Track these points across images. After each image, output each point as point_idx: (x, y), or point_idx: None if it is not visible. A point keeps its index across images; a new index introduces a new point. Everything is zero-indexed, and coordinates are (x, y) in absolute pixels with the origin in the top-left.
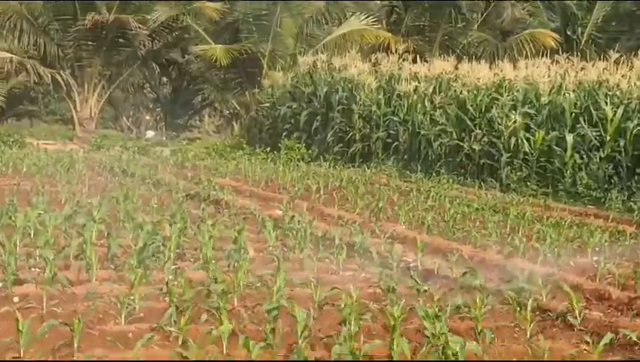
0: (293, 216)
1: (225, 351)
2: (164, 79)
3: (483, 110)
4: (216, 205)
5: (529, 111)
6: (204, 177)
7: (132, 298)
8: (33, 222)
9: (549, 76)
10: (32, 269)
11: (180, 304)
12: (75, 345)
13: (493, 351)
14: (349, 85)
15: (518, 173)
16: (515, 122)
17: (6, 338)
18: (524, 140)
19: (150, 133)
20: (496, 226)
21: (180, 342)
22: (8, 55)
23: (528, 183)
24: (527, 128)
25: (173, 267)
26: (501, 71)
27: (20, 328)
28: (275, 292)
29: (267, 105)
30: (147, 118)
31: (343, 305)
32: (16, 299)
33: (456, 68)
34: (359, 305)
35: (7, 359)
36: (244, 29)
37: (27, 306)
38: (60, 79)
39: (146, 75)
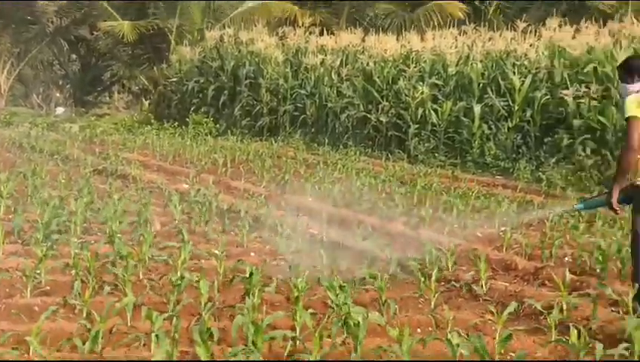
0: (199, 190)
1: (129, 323)
2: (73, 56)
3: (390, 82)
4: (124, 180)
5: (436, 82)
6: (112, 152)
7: (38, 272)
8: None
9: (456, 47)
10: None
11: (86, 277)
12: None
13: (397, 321)
14: (256, 59)
15: (426, 145)
16: (422, 93)
17: None
18: (432, 111)
19: (60, 110)
20: (403, 198)
21: (84, 315)
22: None
23: (436, 154)
24: (435, 99)
25: (79, 241)
26: (408, 42)
27: None
28: (180, 265)
29: (175, 80)
30: (57, 95)
31: (247, 277)
32: None
33: (363, 40)
34: (264, 277)
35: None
36: (151, 4)
37: None
38: None
39: (55, 52)
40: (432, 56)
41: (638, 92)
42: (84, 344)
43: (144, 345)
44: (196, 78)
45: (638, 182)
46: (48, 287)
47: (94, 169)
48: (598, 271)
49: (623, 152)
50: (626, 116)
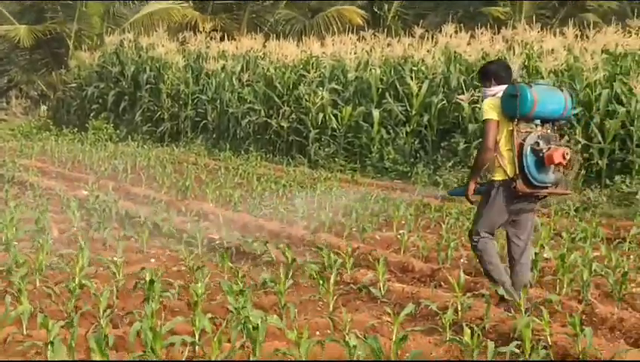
0: (98, 196)
1: (25, 332)
2: None
3: (291, 87)
4: (21, 187)
5: (336, 87)
6: (9, 159)
7: None
8: None
9: (355, 53)
10: None
11: None
12: None
13: (296, 324)
14: (157, 64)
15: (327, 149)
16: (322, 99)
17: None
18: (332, 116)
19: None
20: (304, 202)
21: None
22: None
23: (336, 159)
24: (335, 104)
25: None
26: (308, 48)
27: None
28: (78, 272)
29: (74, 85)
30: None
31: (146, 283)
32: None
33: (264, 46)
34: (163, 282)
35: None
36: (49, 8)
37: None
38: None
39: None
40: (332, 62)
41: (494, 95)
42: None
43: (40, 353)
44: (96, 83)
45: (494, 178)
46: None
47: None
48: None
49: (479, 151)
50: (483, 119)
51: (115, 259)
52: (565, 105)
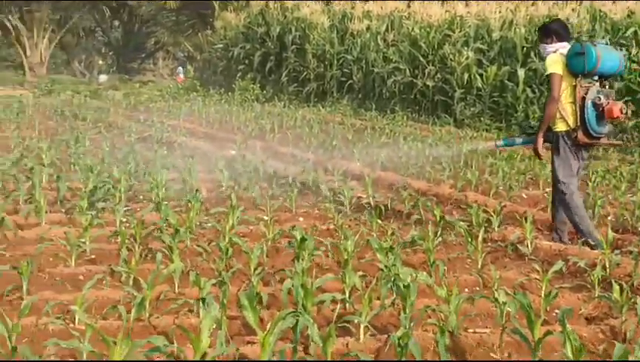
0: (245, 156)
1: (177, 290)
2: (116, 22)
3: (435, 47)
4: (169, 147)
5: (481, 47)
6: (157, 119)
7: (83, 240)
8: None
9: (500, 12)
10: None
11: (132, 245)
12: (24, 288)
13: (445, 281)
14: (302, 25)
15: (472, 109)
16: (467, 58)
17: None
18: (477, 76)
19: (103, 77)
20: (450, 161)
21: (131, 283)
22: None
23: (482, 118)
24: (480, 64)
25: (125, 208)
26: (452, 8)
27: None
28: (228, 231)
29: (220, 46)
30: (100, 62)
31: (296, 242)
32: None
33: (409, 6)
34: (312, 241)
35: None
36: None
37: None
38: (8, 24)
39: (96, 19)
40: (476, 21)
41: (555, 51)
42: (129, 312)
43: (192, 311)
44: (242, 44)
45: (556, 128)
46: (93, 256)
47: (139, 136)
48: (639, 229)
49: (547, 103)
50: (547, 73)
51: (264, 217)
52: (620, 63)
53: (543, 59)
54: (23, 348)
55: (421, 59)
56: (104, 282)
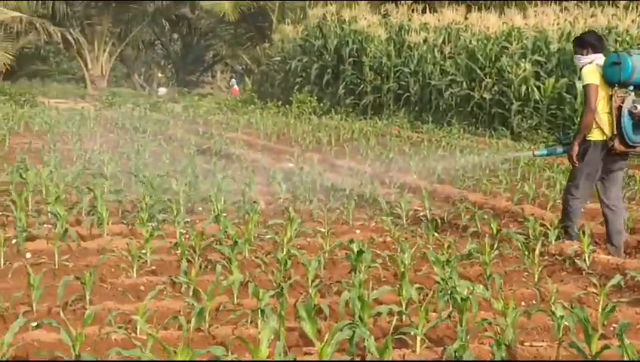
0: (303, 168)
1: (236, 301)
2: (175, 36)
3: (493, 59)
4: (228, 159)
5: (539, 59)
6: (216, 132)
7: (144, 251)
8: (44, 179)
9: (558, 24)
10: (44, 226)
11: (191, 256)
12: (87, 298)
13: (501, 295)
14: (359, 37)
15: (529, 121)
16: (524, 70)
17: (18, 292)
18: (535, 88)
19: (162, 90)
20: (507, 174)
21: (190, 293)
22: (17, 14)
23: (539, 131)
24: (537, 76)
25: (184, 220)
26: (510, 19)
27: (32, 283)
28: (286, 243)
29: (278, 59)
30: (159, 75)
31: (353, 254)
32: (28, 255)
33: (466, 18)
34: (369, 253)
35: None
36: None
37: (39, 261)
38: (69, 37)
39: (156, 32)
40: (534, 33)
41: (590, 62)
42: (189, 322)
43: (251, 322)
44: (299, 56)
45: (590, 138)
46: (154, 267)
47: (198, 149)
48: None
49: (583, 114)
50: (584, 84)
51: (321, 230)
52: None
53: (578, 71)
54: (87, 356)
55: (478, 71)
56: (165, 293)
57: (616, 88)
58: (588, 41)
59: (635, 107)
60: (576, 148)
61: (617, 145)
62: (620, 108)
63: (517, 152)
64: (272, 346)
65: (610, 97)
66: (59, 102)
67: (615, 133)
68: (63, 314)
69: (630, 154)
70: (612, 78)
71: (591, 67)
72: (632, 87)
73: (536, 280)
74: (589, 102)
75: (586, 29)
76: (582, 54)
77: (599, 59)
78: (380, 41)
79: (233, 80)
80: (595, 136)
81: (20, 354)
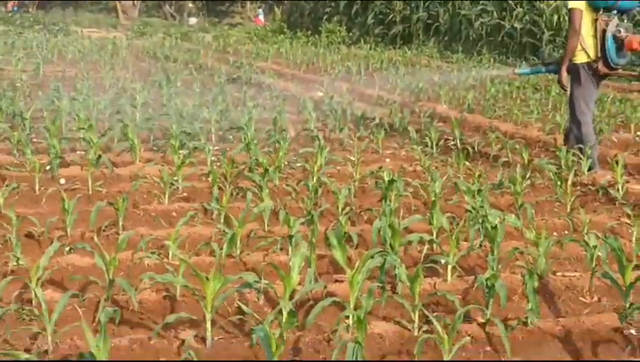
0: (332, 97)
1: (266, 228)
2: None
3: None
4: (258, 88)
5: None
6: (246, 61)
7: (176, 178)
8: (77, 106)
9: None
10: (77, 152)
11: (222, 183)
12: (120, 223)
13: (534, 224)
14: None
15: (560, 51)
16: None
17: (53, 217)
18: (566, 17)
19: (193, 20)
20: (538, 104)
21: (222, 220)
22: None
23: None
24: None
25: (215, 148)
26: None
27: (66, 208)
28: (316, 171)
29: None
30: (189, 4)
31: (383, 182)
32: (62, 181)
33: None
34: (401, 182)
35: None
36: None
37: (73, 187)
38: None
39: None
40: None
41: None
42: (221, 248)
43: (281, 249)
44: None
45: (576, 61)
46: (186, 194)
47: (228, 78)
48: None
49: (568, 37)
50: (568, 8)
51: (351, 158)
52: None
53: None
54: (120, 280)
55: (509, 0)
56: (196, 219)
57: (601, 12)
58: None
59: (619, 30)
60: (564, 72)
61: (601, 67)
62: (604, 31)
63: (498, 70)
64: (303, 273)
65: (595, 21)
66: (91, 31)
67: (599, 55)
68: (96, 239)
69: (612, 75)
70: (597, 2)
71: None
72: (615, 12)
73: (568, 210)
74: (573, 26)
75: None
76: None
77: None
78: None
79: (260, 10)
80: (581, 58)
81: (55, 278)
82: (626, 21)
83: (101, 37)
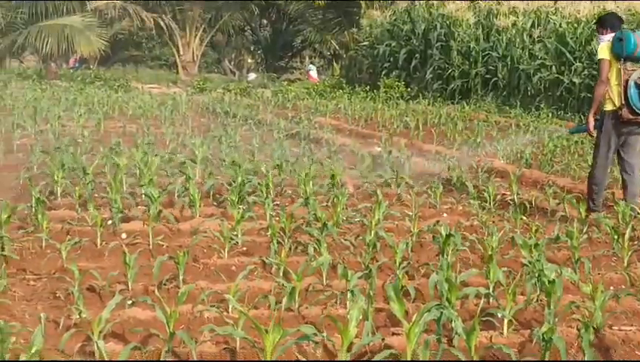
0: (390, 152)
1: (325, 282)
2: (264, 21)
3: (583, 43)
4: (316, 143)
5: None
6: (304, 116)
7: (235, 233)
8: (138, 162)
9: None
10: (138, 207)
11: (281, 238)
12: (180, 277)
13: (590, 278)
14: (447, 22)
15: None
16: None
17: (114, 271)
18: None
19: (252, 76)
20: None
21: (281, 274)
22: (111, 1)
23: None
24: None
25: (274, 203)
26: (602, 2)
27: (127, 262)
28: (374, 225)
29: (366, 44)
30: (249, 60)
31: (440, 237)
32: (124, 236)
33: (555, 1)
34: (459, 236)
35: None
36: None
37: (134, 242)
38: (162, 23)
39: (245, 18)
40: (626, 15)
41: (608, 40)
42: (280, 302)
43: (339, 302)
44: (387, 41)
45: (605, 109)
46: (245, 248)
47: (287, 133)
48: None
49: (595, 86)
50: (598, 58)
51: (409, 213)
52: None
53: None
54: (181, 333)
55: (568, 55)
56: (255, 273)
57: (622, 62)
58: (608, 21)
59: None
60: (591, 120)
61: (625, 113)
62: (627, 80)
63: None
64: (361, 326)
65: (619, 70)
66: (152, 87)
67: (623, 102)
68: (157, 293)
69: (638, 122)
70: (617, 51)
71: (604, 44)
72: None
73: (625, 264)
74: (601, 75)
75: None
76: (602, 33)
77: None
78: (468, 25)
79: (311, 65)
80: (608, 106)
81: (117, 330)
82: None
83: (161, 92)
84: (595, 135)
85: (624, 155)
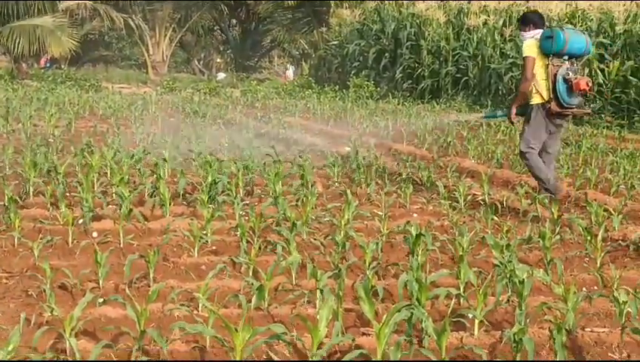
0: (357, 152)
1: (294, 281)
2: (234, 21)
3: None
4: (286, 143)
5: (603, 41)
6: (274, 116)
7: (204, 232)
8: (109, 161)
9: (624, 5)
10: (109, 206)
11: (251, 237)
12: (151, 275)
13: (563, 279)
14: (417, 21)
15: (592, 105)
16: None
17: (86, 270)
18: (598, 71)
19: (221, 75)
20: (569, 159)
21: (250, 273)
22: (82, 1)
23: (602, 115)
24: (602, 59)
25: (243, 202)
26: (574, 1)
27: (99, 260)
28: (344, 225)
29: (335, 43)
30: (218, 60)
31: (410, 237)
32: (95, 234)
33: (527, 0)
34: (429, 236)
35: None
36: None
37: (106, 241)
38: (132, 24)
39: (215, 18)
40: (599, 14)
41: (532, 37)
42: (249, 301)
43: (309, 302)
44: (356, 41)
45: (532, 102)
46: (215, 247)
47: (256, 132)
48: None
49: (521, 82)
50: (523, 56)
51: (379, 213)
52: (587, 45)
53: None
54: (151, 331)
55: None
56: (225, 272)
57: (551, 58)
58: (530, 19)
59: (568, 73)
60: (513, 110)
61: (553, 106)
62: (555, 75)
63: (470, 115)
64: (330, 326)
65: (547, 66)
66: (122, 87)
67: (552, 96)
68: (128, 291)
69: (565, 114)
70: (547, 49)
71: (530, 41)
72: (566, 57)
73: (598, 265)
74: (526, 73)
75: None
76: (525, 31)
77: (539, 34)
78: (438, 24)
79: (289, 65)
80: (536, 100)
81: (88, 328)
82: (576, 65)
83: (131, 92)
84: (516, 123)
85: (547, 149)
